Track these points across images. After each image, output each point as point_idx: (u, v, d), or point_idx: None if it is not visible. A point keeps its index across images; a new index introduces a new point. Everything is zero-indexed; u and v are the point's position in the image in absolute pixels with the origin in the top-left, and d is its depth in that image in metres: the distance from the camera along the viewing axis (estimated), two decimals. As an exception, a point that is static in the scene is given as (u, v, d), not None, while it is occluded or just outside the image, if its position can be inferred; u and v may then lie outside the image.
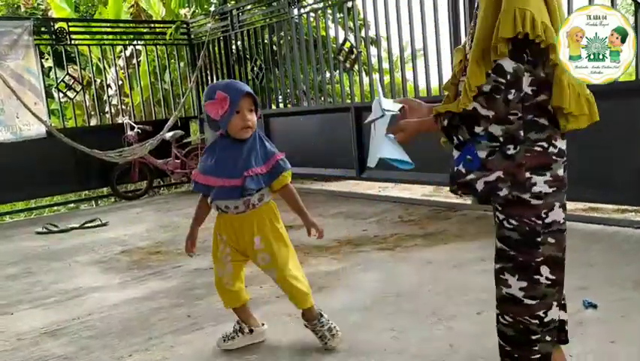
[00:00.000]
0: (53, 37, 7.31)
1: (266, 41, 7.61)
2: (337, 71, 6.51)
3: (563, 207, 1.83)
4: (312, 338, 2.61)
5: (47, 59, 8.96)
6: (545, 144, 1.71)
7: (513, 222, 1.73)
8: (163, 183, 9.24)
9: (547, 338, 1.78)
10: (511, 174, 1.69)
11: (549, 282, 1.78)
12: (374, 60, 6.83)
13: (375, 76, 6.92)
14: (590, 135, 4.18)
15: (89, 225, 5.83)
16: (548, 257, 1.78)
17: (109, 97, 10.16)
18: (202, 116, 8.71)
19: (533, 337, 1.75)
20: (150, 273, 3.95)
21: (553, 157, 1.72)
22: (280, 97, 7.67)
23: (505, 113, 1.65)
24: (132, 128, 7.49)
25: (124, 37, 8.52)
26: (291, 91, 7.37)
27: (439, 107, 1.76)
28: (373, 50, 7.46)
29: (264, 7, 7.65)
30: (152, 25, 9.12)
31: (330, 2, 7.26)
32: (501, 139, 1.69)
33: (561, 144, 1.76)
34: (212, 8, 8.87)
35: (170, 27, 8.33)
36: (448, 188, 6.09)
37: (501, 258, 1.78)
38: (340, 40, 6.61)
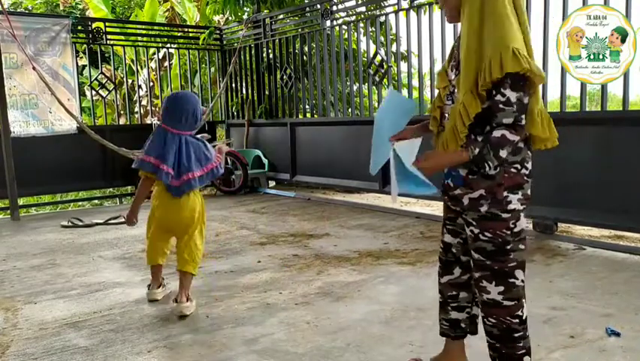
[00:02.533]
0: (90, 36, 7.48)
1: (297, 51, 7.68)
2: (365, 85, 6.54)
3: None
4: (329, 345, 2.62)
5: (82, 57, 9.17)
6: (519, 166, 1.90)
7: (488, 234, 1.93)
8: (186, 185, 9.34)
9: (528, 334, 1.99)
10: (491, 193, 1.89)
11: (522, 283, 1.98)
12: (403, 75, 6.86)
13: (404, 91, 6.91)
14: (616, 162, 4.17)
15: (113, 221, 5.92)
16: (521, 262, 1.97)
17: (139, 97, 10.34)
18: (229, 121, 8.80)
19: (516, 334, 1.96)
20: (171, 272, 3.97)
21: (525, 178, 1.92)
22: (307, 107, 7.72)
23: (525, 135, 1.87)
24: (160, 129, 7.59)
25: (158, 39, 8.68)
26: (318, 101, 7.42)
27: (453, 137, 1.91)
28: (403, 66, 7.49)
29: (297, 18, 7.74)
30: (186, 29, 9.29)
31: (362, 16, 7.31)
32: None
33: (530, 165, 1.94)
34: (245, 16, 9.01)
35: (204, 32, 8.46)
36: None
37: (479, 268, 1.98)
38: (370, 54, 6.65)
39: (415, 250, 4.34)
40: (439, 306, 2.27)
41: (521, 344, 1.97)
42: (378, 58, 6.40)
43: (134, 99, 10.58)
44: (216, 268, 4.05)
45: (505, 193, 1.88)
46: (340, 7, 7.06)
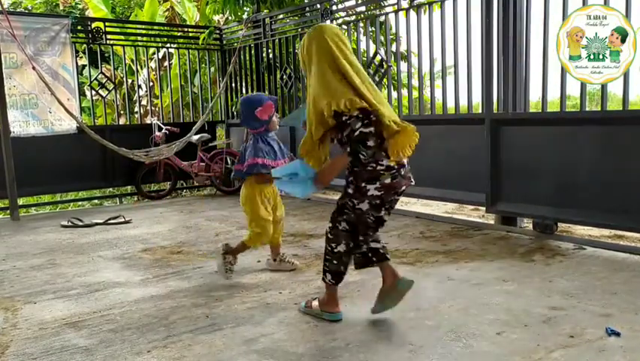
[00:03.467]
0: (89, 36, 7.47)
1: (297, 51, 7.67)
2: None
3: (382, 207, 2.77)
4: (329, 344, 2.62)
5: (82, 57, 9.16)
6: (374, 164, 2.66)
7: (339, 200, 2.85)
8: (185, 185, 9.35)
9: (335, 262, 2.88)
10: (354, 183, 2.71)
11: (344, 231, 2.84)
12: (403, 75, 6.85)
13: (404, 91, 6.89)
14: (616, 162, 4.17)
15: (113, 221, 5.92)
16: (347, 219, 2.83)
17: (139, 97, 10.33)
18: (229, 121, 8.82)
19: (327, 257, 2.91)
20: (171, 272, 3.99)
21: (381, 172, 2.66)
22: (307, 106, 7.70)
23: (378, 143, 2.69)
24: (160, 129, 7.60)
25: (158, 39, 8.67)
26: (318, 101, 7.40)
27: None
28: (403, 66, 7.48)
29: (297, 17, 7.74)
30: (186, 29, 9.27)
31: (362, 16, 7.31)
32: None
33: (388, 162, 2.67)
34: (245, 16, 9.00)
35: (204, 32, 8.45)
36: (469, 206, 6.23)
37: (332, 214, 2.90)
38: (370, 54, 6.64)
39: (415, 249, 4.34)
40: None
41: (327, 264, 2.90)
42: (378, 58, 6.39)
43: (134, 99, 10.57)
44: (216, 267, 4.04)
45: (363, 184, 2.67)
46: (340, 6, 7.05)
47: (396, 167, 2.70)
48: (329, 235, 2.89)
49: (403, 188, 2.77)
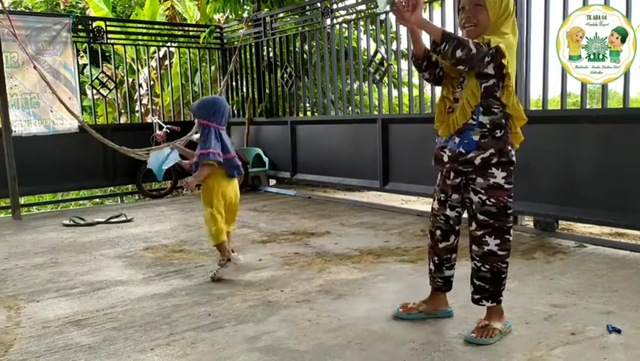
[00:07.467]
0: (90, 35, 7.49)
1: (297, 49, 7.69)
2: (366, 83, 6.54)
3: None
4: (331, 342, 2.63)
5: (83, 56, 9.17)
6: (512, 128, 2.56)
7: (493, 200, 2.52)
8: (186, 184, 9.35)
9: (506, 278, 2.62)
10: (499, 150, 2.47)
11: (511, 237, 2.59)
12: (403, 74, 6.85)
13: (404, 89, 6.89)
14: (617, 160, 4.17)
15: (115, 220, 5.94)
16: (513, 222, 2.62)
17: (140, 96, 10.34)
18: (229, 120, 8.83)
19: (503, 275, 2.60)
20: (173, 270, 4.01)
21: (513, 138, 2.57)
22: (308, 105, 7.72)
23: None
24: (161, 127, 7.60)
25: (158, 38, 8.68)
26: (319, 100, 7.42)
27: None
28: (403, 64, 7.48)
29: (297, 16, 7.74)
30: (187, 28, 9.28)
31: (362, 14, 7.32)
32: (488, 126, 2.47)
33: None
34: (245, 14, 9.01)
35: (204, 31, 8.46)
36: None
37: (483, 226, 2.57)
38: (371, 52, 6.65)
39: (416, 247, 4.35)
40: (433, 266, 2.82)
41: (505, 282, 2.62)
42: (379, 56, 6.40)
43: (135, 98, 10.59)
44: (217, 266, 4.05)
45: (509, 148, 2.50)
46: (340, 5, 7.06)
47: None
48: (499, 252, 2.55)
49: None
